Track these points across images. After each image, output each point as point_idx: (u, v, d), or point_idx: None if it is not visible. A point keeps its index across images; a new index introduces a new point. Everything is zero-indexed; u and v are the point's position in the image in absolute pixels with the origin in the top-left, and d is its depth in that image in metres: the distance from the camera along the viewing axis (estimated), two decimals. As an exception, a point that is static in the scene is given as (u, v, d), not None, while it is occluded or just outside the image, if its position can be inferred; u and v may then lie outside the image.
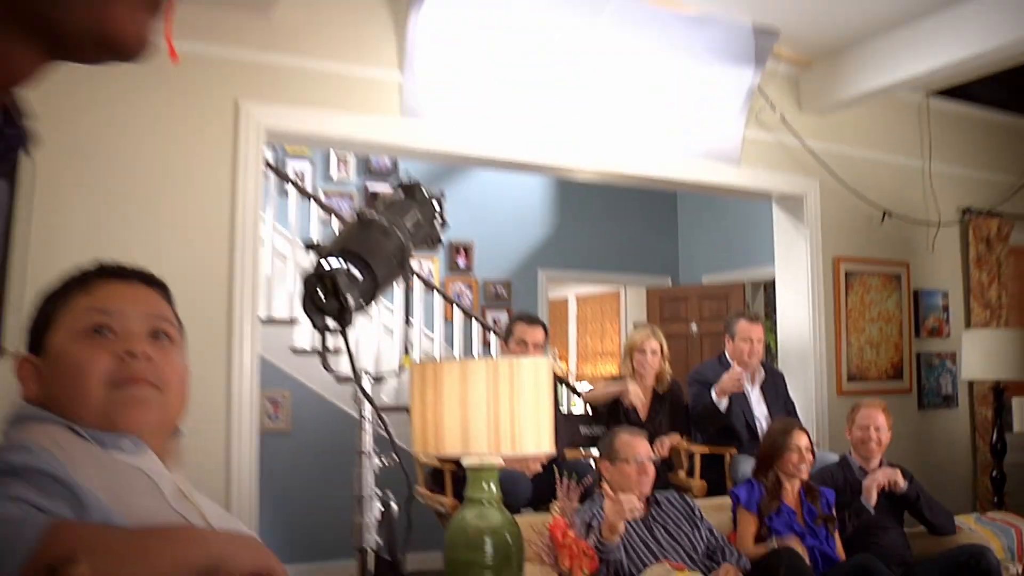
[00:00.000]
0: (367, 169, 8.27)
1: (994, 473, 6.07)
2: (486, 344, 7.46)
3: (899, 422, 4.67)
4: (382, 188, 8.05)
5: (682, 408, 5.13)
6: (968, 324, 6.74)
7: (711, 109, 5.42)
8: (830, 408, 5.93)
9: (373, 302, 2.08)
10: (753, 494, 4.14)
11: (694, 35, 5.11)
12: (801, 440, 4.18)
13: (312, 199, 6.80)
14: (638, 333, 5.12)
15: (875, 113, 6.39)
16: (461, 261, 8.55)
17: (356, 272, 1.97)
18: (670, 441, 4.88)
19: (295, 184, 6.77)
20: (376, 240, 2.07)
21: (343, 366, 2.13)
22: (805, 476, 4.19)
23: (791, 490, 4.17)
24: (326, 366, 2.09)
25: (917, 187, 6.62)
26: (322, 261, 2.01)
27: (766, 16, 5.16)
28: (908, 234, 6.51)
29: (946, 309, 6.71)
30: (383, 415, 2.07)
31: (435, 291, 7.35)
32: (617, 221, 9.28)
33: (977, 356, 5.94)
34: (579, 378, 11.77)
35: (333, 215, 6.78)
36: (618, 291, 10.84)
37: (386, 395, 6.87)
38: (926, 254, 6.63)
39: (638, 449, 3.61)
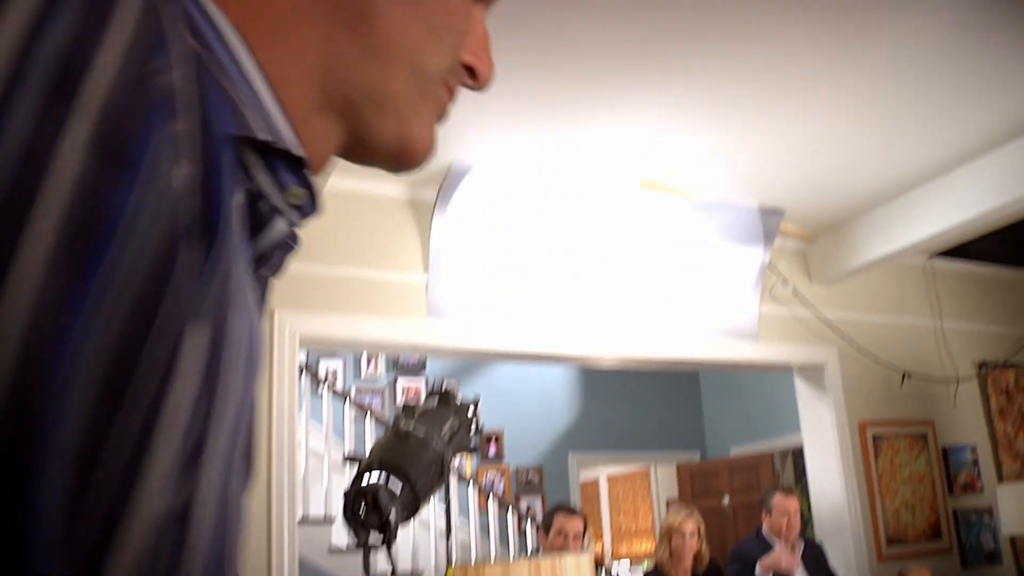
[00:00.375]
0: (396, 365, 8.32)
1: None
2: (521, 532, 7.29)
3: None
4: (411, 383, 8.07)
5: None
6: (1000, 477, 6.56)
7: (726, 289, 5.48)
8: (871, 574, 5.70)
9: (415, 514, 2.04)
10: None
11: (705, 220, 5.23)
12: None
13: (345, 397, 6.82)
14: (676, 515, 5.00)
15: (882, 278, 6.43)
16: (492, 450, 8.46)
17: (396, 486, 1.95)
18: None
19: (328, 385, 6.81)
20: (414, 452, 2.06)
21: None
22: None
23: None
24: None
25: (932, 346, 6.59)
26: (363, 475, 1.99)
27: (771, 197, 5.28)
28: (929, 392, 6.43)
29: (976, 463, 6.54)
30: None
31: (470, 482, 7.25)
32: (642, 400, 9.23)
33: (1016, 509, 5.76)
34: (615, 557, 11.44)
35: (366, 411, 6.78)
36: (648, 468, 10.67)
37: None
38: (949, 410, 6.52)
39: None
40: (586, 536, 4.67)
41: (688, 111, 4.34)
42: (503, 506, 7.34)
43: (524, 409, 8.64)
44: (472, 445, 2.30)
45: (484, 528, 7.51)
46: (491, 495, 7.30)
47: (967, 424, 6.62)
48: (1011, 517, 5.76)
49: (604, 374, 8.87)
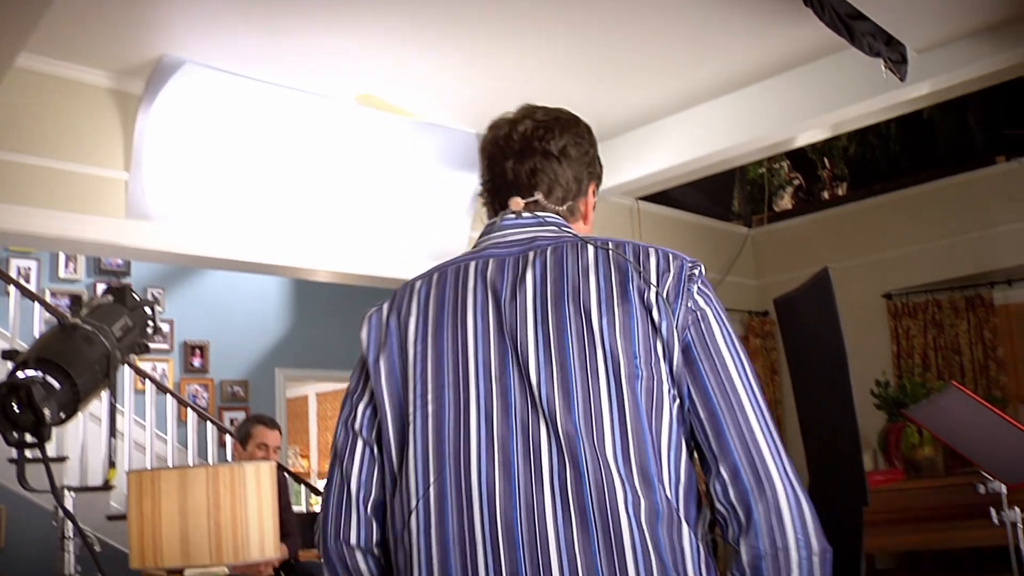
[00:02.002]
0: (98, 268, 7.81)
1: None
2: (223, 445, 7.12)
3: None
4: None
5: None
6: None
7: (438, 211, 5.53)
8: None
9: (75, 414, 1.92)
10: None
11: (422, 141, 5.23)
12: None
13: (36, 300, 6.30)
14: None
15: (596, 214, 6.73)
16: (196, 361, 8.17)
17: (54, 382, 1.81)
18: None
19: (17, 284, 6.26)
20: (78, 347, 1.92)
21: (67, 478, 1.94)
22: None
23: None
24: (23, 483, 1.89)
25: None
26: (17, 371, 1.83)
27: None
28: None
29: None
30: (83, 528, 1.89)
31: (168, 393, 6.95)
32: (354, 319, 9.17)
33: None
34: (321, 475, 11.46)
35: (61, 316, 6.32)
36: (358, 386, 10.71)
37: (117, 503, 6.38)
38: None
39: None
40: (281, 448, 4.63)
41: (414, 30, 4.29)
42: (204, 419, 7.11)
43: (232, 321, 8.38)
44: (146, 345, 2.19)
45: (183, 441, 7.27)
46: (191, 408, 7.06)
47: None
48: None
49: (315, 290, 8.76)
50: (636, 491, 1.25)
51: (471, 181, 5.57)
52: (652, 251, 1.45)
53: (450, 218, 5.60)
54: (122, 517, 5.90)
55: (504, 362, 1.34)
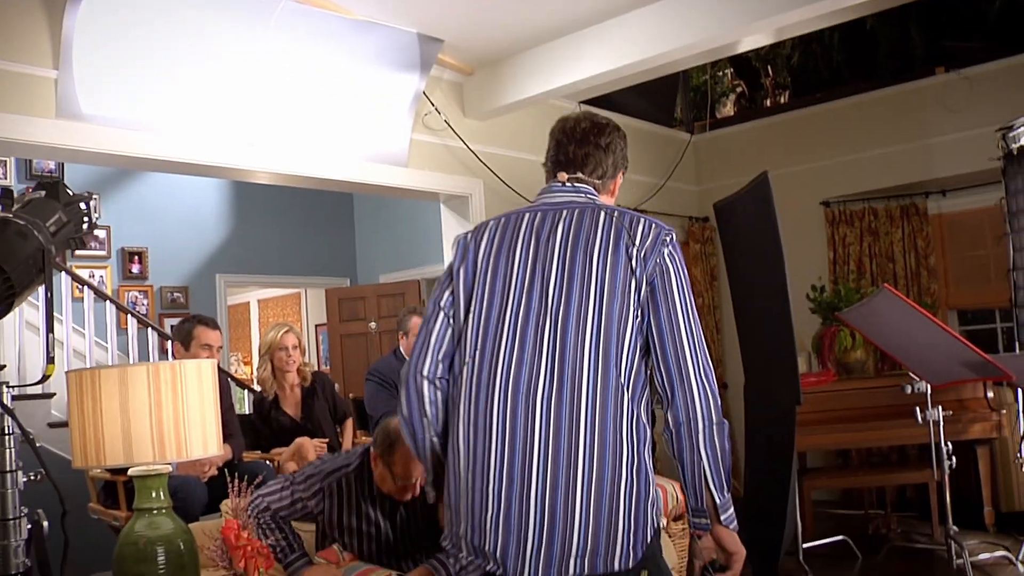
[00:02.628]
0: (29, 173, 7.59)
1: (645, 442, 6.55)
2: (164, 352, 7.06)
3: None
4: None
5: (333, 396, 5.09)
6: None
7: (379, 113, 5.44)
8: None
9: (10, 309, 1.88)
10: None
11: (361, 40, 5.10)
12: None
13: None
14: (275, 331, 4.98)
15: (533, 118, 6.68)
16: (135, 268, 8.04)
17: (-14, 277, 1.78)
18: (347, 435, 4.86)
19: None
20: (11, 242, 1.88)
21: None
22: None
23: None
24: (-44, 379, 1.87)
25: (571, 186, 6.99)
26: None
27: (431, 25, 5.25)
28: (565, 229, 6.86)
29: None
30: (21, 424, 1.88)
31: (107, 300, 6.85)
32: (295, 224, 9.12)
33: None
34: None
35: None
36: (299, 293, 10.67)
37: (58, 410, 6.33)
38: (581, 247, 7.01)
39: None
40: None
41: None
42: (145, 326, 7.04)
43: (171, 227, 8.24)
44: (82, 239, 2.15)
45: (124, 348, 7.20)
46: (131, 314, 6.98)
47: (595, 260, 7.17)
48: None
49: (256, 195, 8.64)
50: (598, 369, 2.00)
51: (411, 83, 5.47)
52: (642, 220, 2.15)
53: (391, 120, 5.51)
54: (63, 424, 5.87)
55: (533, 280, 2.12)
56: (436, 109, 5.84)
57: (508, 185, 6.33)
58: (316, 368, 5.11)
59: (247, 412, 7.07)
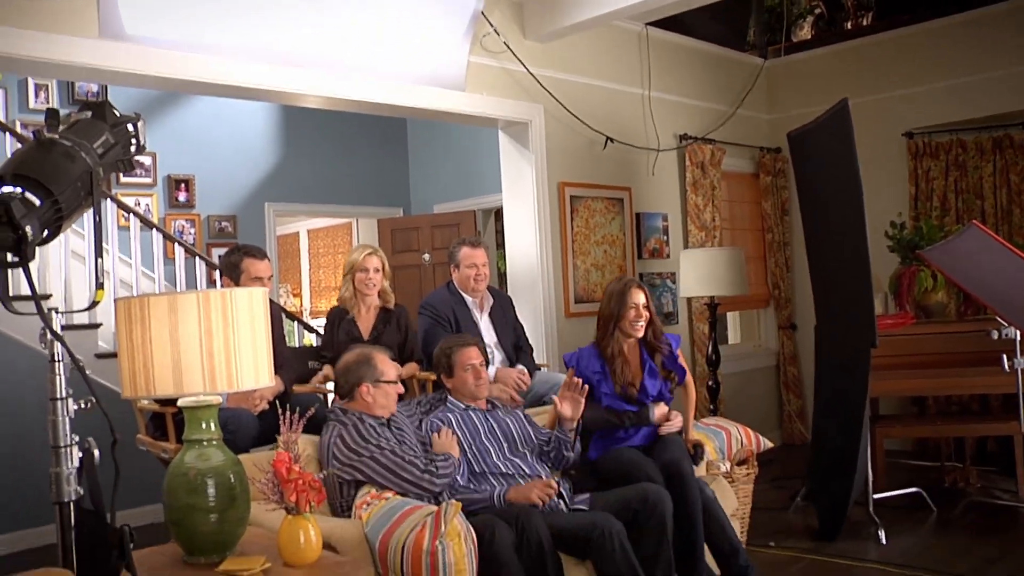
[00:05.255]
0: (71, 97, 7.67)
1: (710, 383, 6.53)
2: (212, 283, 7.17)
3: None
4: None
5: (407, 330, 5.14)
6: (686, 245, 7.17)
7: (435, 33, 5.39)
8: (559, 329, 6.16)
9: (58, 232, 1.91)
10: (590, 362, 4.32)
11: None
12: (637, 297, 4.30)
13: (5, 130, 6.22)
14: (359, 252, 5.06)
15: (597, 41, 6.59)
16: (182, 196, 8.14)
17: (34, 198, 1.80)
18: (407, 370, 4.90)
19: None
20: (58, 163, 1.90)
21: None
22: (640, 334, 4.32)
23: (629, 352, 4.33)
24: (7, 303, 1.90)
25: (638, 114, 6.92)
26: (-6, 188, 1.81)
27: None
28: (630, 159, 6.80)
29: (666, 231, 7.10)
30: (75, 355, 1.91)
31: (154, 228, 6.96)
32: (347, 151, 9.13)
33: (693, 274, 6.33)
34: (313, 314, 11.62)
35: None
36: (350, 223, 10.72)
37: (105, 341, 6.47)
38: (646, 178, 6.96)
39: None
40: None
41: None
42: (192, 255, 7.14)
43: (218, 154, 8.29)
44: (130, 161, 2.16)
45: (171, 279, 7.32)
46: (178, 244, 7.07)
47: (662, 193, 7.11)
48: (690, 281, 6.35)
49: (306, 121, 8.64)
50: None
51: (468, 1, 5.40)
52: None
53: (447, 42, 5.46)
54: (110, 355, 6.00)
55: None
56: (495, 30, 5.77)
57: (570, 111, 6.26)
58: (398, 304, 5.16)
59: (297, 345, 7.18)
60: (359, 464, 3.45)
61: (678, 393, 4.51)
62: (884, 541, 4.92)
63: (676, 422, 4.35)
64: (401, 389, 3.77)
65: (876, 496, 5.23)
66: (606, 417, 4.26)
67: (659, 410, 4.30)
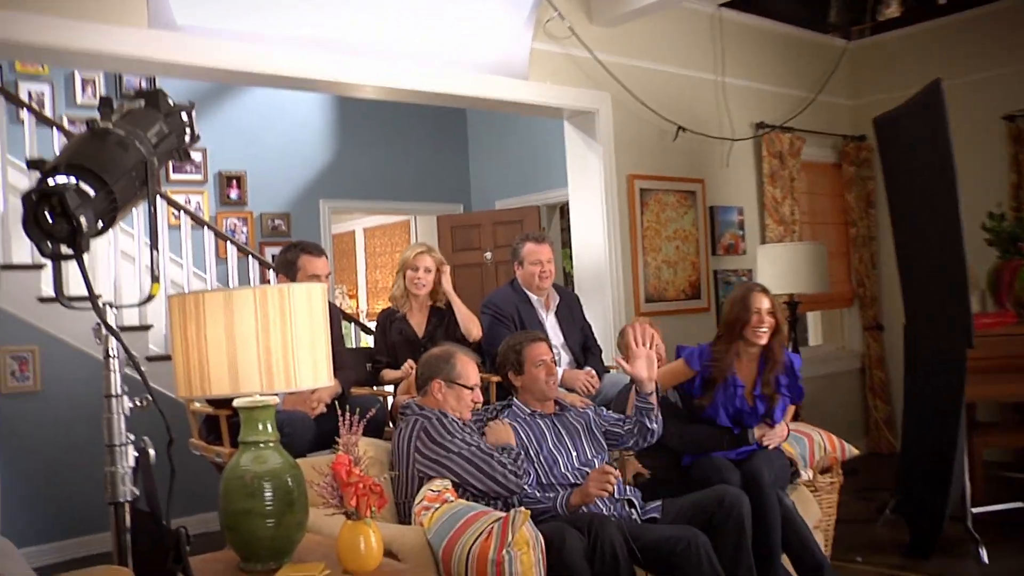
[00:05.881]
0: (119, 91, 7.83)
1: (790, 387, 6.45)
2: (266, 283, 7.28)
3: (699, 341, 4.85)
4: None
5: (458, 328, 5.17)
6: (763, 240, 7.10)
7: (496, 19, 5.40)
8: (629, 330, 6.14)
9: (113, 223, 1.95)
10: (702, 354, 4.34)
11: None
12: (761, 302, 4.28)
13: (54, 126, 6.37)
14: (411, 250, 5.11)
15: (668, 24, 6.56)
16: (233, 193, 8.27)
17: (88, 189, 1.84)
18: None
19: (30, 108, 6.31)
20: (112, 153, 1.94)
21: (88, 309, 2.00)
22: (763, 341, 4.30)
23: (746, 362, 4.33)
24: (60, 297, 1.95)
25: (711, 101, 6.87)
26: (49, 177, 1.86)
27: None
28: (703, 150, 6.76)
29: (742, 226, 7.04)
30: (130, 350, 1.95)
31: (205, 227, 7.08)
32: (404, 146, 9.19)
33: (771, 271, 6.27)
34: (370, 316, 11.72)
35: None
36: (408, 220, 10.80)
37: (156, 344, 6.60)
38: (721, 170, 6.91)
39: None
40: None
41: None
42: (245, 255, 7.26)
43: (271, 149, 8.40)
44: (185, 151, 2.20)
45: (223, 279, 7.44)
46: (230, 242, 7.19)
47: (737, 185, 7.05)
48: (767, 277, 6.27)
49: (362, 114, 8.72)
50: None
51: (532, -14, 5.42)
52: None
53: (509, 28, 5.48)
54: (162, 358, 6.12)
55: None
56: (559, 14, 5.77)
57: (639, 99, 6.24)
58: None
59: (353, 347, 7.26)
60: (446, 459, 3.48)
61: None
62: (986, 560, 4.81)
63: (775, 433, 4.31)
64: (479, 398, 3.78)
65: (975, 510, 5.11)
66: (703, 440, 4.25)
67: (758, 431, 4.27)
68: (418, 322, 5.05)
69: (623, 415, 4.10)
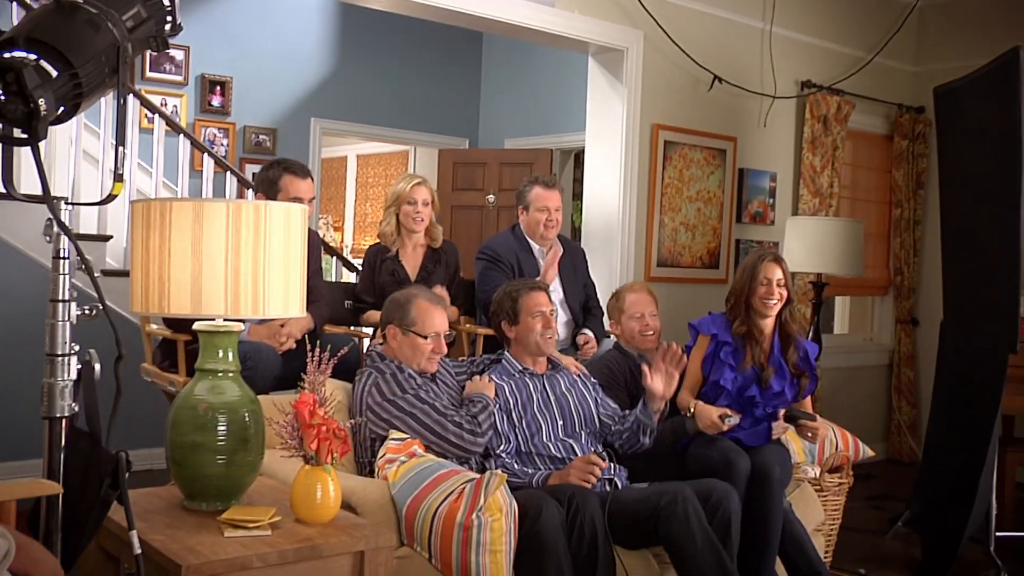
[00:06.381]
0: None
1: (807, 376, 6.46)
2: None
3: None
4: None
5: (457, 274, 5.17)
6: (795, 211, 7.08)
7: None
8: (637, 296, 6.15)
9: (76, 111, 1.94)
10: (723, 332, 4.34)
11: None
12: (772, 271, 4.30)
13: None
14: (406, 181, 5.07)
15: (715, -42, 6.50)
16: (216, 100, 8.23)
17: (49, 68, 1.82)
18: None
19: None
20: (80, 32, 1.92)
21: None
22: (772, 313, 4.33)
23: (763, 337, 4.34)
24: (8, 187, 1.95)
25: (755, 52, 6.82)
26: (4, 51, 1.84)
27: None
28: (739, 105, 6.72)
29: (773, 193, 7.02)
30: (83, 253, 1.95)
31: (181, 134, 7.04)
32: (411, 68, 9.14)
33: (800, 246, 6.24)
34: (355, 252, 11.72)
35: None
36: (407, 151, 10.77)
37: (114, 258, 6.60)
38: (757, 129, 6.88)
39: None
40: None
41: None
42: (224, 169, 7.22)
43: (262, 56, 8.33)
44: (164, 40, 2.19)
45: (197, 193, 7.41)
46: (208, 154, 7.16)
47: (773, 148, 7.02)
48: (795, 253, 6.25)
49: (367, 26, 8.65)
50: None
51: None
52: None
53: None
54: (120, 273, 6.11)
55: None
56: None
57: (674, 41, 6.20)
58: (446, 240, 5.20)
59: (333, 280, 7.25)
60: (397, 420, 3.50)
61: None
62: (1006, 589, 4.86)
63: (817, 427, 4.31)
64: (441, 348, 3.76)
65: (999, 534, 5.12)
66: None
67: (702, 417, 4.24)
68: (412, 264, 5.03)
69: (621, 410, 4.14)
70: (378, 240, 5.15)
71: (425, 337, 3.69)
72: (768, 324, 4.36)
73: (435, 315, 3.75)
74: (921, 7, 7.90)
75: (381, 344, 3.79)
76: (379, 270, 5.02)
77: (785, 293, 4.31)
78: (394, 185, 5.19)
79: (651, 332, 4.51)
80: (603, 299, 5.48)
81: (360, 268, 5.43)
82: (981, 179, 5.12)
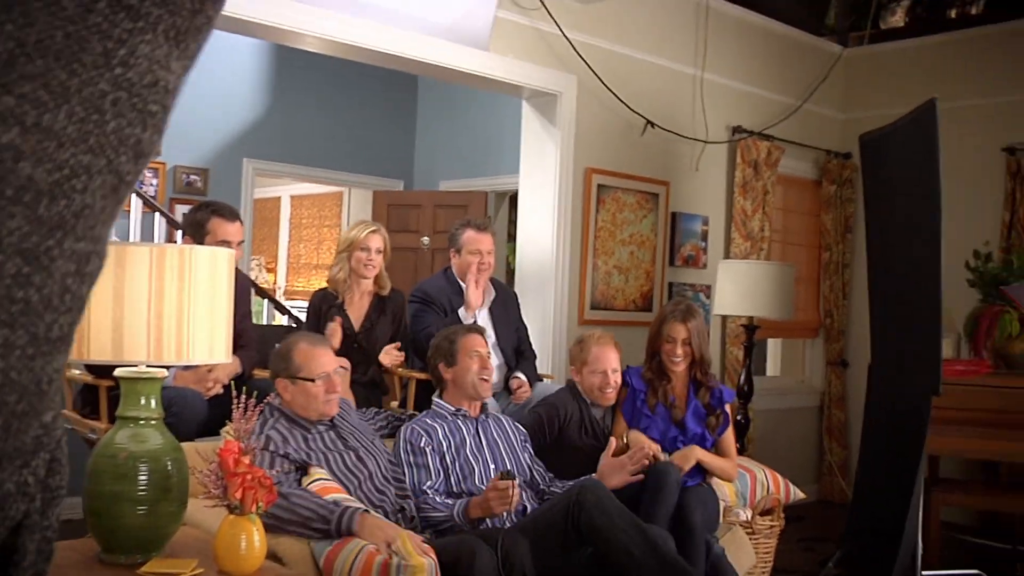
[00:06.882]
0: None
1: (739, 418, 6.50)
2: (172, 243, 7.20)
3: (641, 359, 4.88)
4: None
5: (400, 321, 5.17)
6: (727, 255, 7.17)
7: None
8: (569, 337, 6.15)
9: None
10: (636, 378, 4.49)
11: None
12: (677, 332, 4.42)
13: None
14: (361, 229, 5.07)
15: (648, 6, 6.60)
16: (147, 140, 8.16)
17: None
18: (390, 359, 4.95)
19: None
20: None
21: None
22: (678, 369, 4.45)
23: (675, 377, 4.46)
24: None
25: (686, 97, 6.92)
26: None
27: None
28: (672, 149, 6.80)
29: (705, 237, 7.09)
30: None
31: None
32: (345, 109, 9.15)
33: (732, 290, 6.31)
34: (288, 295, 11.65)
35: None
36: (341, 192, 10.75)
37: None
38: (689, 174, 6.96)
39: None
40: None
41: None
42: (152, 210, 7.17)
43: (194, 96, 8.28)
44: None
45: (124, 234, 7.34)
46: (136, 195, 7.10)
47: (705, 192, 7.11)
48: (726, 296, 6.32)
49: (301, 68, 8.65)
50: None
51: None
52: None
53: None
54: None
55: None
56: (530, -19, 5.78)
57: (607, 86, 6.27)
58: (394, 287, 5.19)
59: (265, 323, 7.20)
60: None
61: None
62: (929, 627, 4.91)
63: (684, 454, 4.39)
64: (335, 386, 3.67)
65: (926, 573, 5.19)
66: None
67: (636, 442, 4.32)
68: (357, 313, 5.02)
69: (550, 477, 4.22)
70: (326, 285, 5.13)
71: (314, 380, 3.62)
72: (680, 371, 4.47)
73: (319, 355, 3.70)
74: (848, 56, 8.09)
75: (277, 400, 3.71)
76: (324, 317, 5.00)
77: (690, 351, 4.41)
78: (348, 231, 5.19)
79: (611, 389, 4.54)
80: (536, 342, 5.51)
81: (296, 313, 5.41)
82: (903, 225, 5.22)
